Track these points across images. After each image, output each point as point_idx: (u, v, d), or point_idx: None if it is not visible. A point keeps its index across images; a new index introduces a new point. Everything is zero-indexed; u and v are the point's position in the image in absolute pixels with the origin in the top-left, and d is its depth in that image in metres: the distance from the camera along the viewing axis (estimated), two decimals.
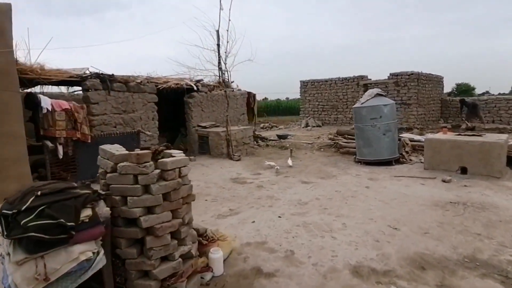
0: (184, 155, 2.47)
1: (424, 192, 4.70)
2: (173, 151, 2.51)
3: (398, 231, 3.36)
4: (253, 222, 3.76)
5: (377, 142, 6.54)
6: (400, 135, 8.67)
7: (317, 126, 16.40)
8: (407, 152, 6.96)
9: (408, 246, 3.03)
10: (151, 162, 2.18)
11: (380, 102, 6.53)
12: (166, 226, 2.19)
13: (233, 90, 9.41)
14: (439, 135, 6.05)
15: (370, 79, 15.85)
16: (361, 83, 15.67)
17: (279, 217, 3.89)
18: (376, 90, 6.76)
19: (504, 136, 5.56)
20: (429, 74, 15.41)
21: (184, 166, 2.34)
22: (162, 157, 2.41)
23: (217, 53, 7.87)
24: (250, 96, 10.25)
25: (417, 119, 14.26)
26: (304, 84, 18.10)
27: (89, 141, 5.66)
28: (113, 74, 6.56)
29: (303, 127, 16.45)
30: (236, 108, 9.36)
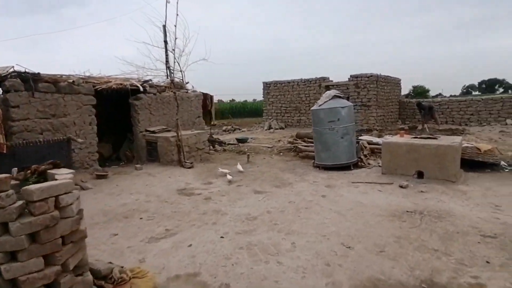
0: (70, 176, 1.86)
1: (381, 200, 4.42)
2: (60, 171, 1.90)
3: (352, 251, 2.98)
4: (190, 245, 3.21)
5: (335, 146, 6.25)
6: (359, 138, 8.54)
7: (280, 128, 16.14)
8: (365, 156, 6.77)
9: (362, 270, 2.64)
10: (11, 191, 1.56)
11: (337, 104, 6.26)
12: (35, 277, 1.58)
13: (187, 92, 8.77)
14: (396, 139, 5.88)
15: (332, 81, 15.90)
16: (323, 85, 15.66)
17: (222, 237, 3.37)
18: (333, 92, 6.49)
19: (458, 139, 5.49)
20: (388, 76, 15.75)
21: (66, 193, 1.74)
22: (45, 180, 1.80)
23: (164, 50, 7.18)
24: (207, 98, 9.66)
25: (377, 120, 14.46)
26: (267, 86, 17.80)
27: (4, 151, 4.79)
28: (38, 73, 5.68)
29: (266, 130, 16.12)
30: (190, 111, 8.72)
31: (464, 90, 71.02)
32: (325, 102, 6.34)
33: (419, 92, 43.40)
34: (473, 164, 5.90)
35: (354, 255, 2.89)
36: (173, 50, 6.84)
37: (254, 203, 4.50)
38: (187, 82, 9.07)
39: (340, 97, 6.48)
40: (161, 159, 7.17)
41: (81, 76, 6.63)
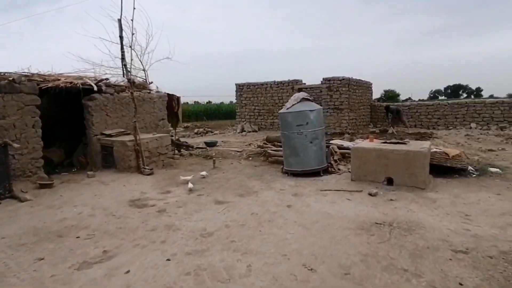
0: None
1: (349, 210, 4.13)
2: None
3: (314, 274, 2.62)
4: (127, 272, 2.72)
5: (304, 151, 5.95)
6: (330, 142, 8.33)
7: (253, 131, 15.79)
8: (335, 161, 6.52)
9: None
10: None
11: (306, 107, 5.96)
12: None
13: (149, 92, 8.18)
14: (366, 144, 5.67)
15: (305, 84, 15.78)
16: (296, 87, 15.49)
17: (168, 260, 2.91)
18: (302, 94, 6.19)
19: (426, 144, 5.35)
20: (359, 80, 15.85)
21: None
22: None
23: (120, 47, 6.58)
24: (173, 99, 9.11)
25: (349, 123, 14.47)
26: (240, 88, 17.42)
27: None
28: None
29: (238, 132, 15.71)
30: (153, 113, 8.14)
31: (431, 95, 74.37)
32: (293, 105, 6.03)
33: (390, 96, 44.78)
34: (442, 169, 5.80)
35: (316, 280, 2.54)
36: (130, 47, 6.27)
37: (213, 215, 4.07)
38: (151, 82, 8.49)
39: (309, 99, 6.19)
40: (117, 165, 6.55)
41: (23, 74, 5.91)
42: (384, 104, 17.35)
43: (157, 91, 8.49)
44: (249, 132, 15.63)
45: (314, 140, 5.95)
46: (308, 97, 6.24)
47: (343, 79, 14.15)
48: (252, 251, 3.05)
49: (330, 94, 14.42)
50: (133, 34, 6.44)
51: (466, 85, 72.69)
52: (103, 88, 7.02)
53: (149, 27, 8.51)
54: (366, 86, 16.97)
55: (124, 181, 5.91)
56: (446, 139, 10.56)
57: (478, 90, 70.07)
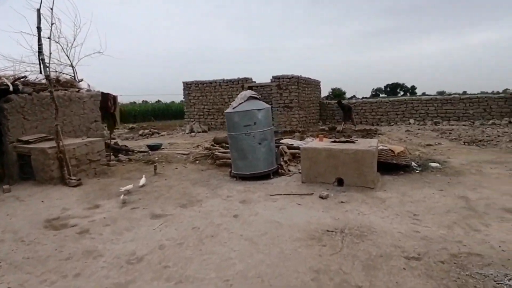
0: None
1: (300, 216, 3.85)
2: None
3: None
4: None
5: (252, 153, 5.59)
6: (280, 141, 8.11)
7: (203, 132, 15.14)
8: (286, 162, 6.27)
9: None
10: None
11: (253, 106, 5.60)
12: None
13: (78, 91, 7.19)
14: (316, 143, 5.48)
15: (255, 82, 15.53)
16: (246, 86, 15.17)
17: None
18: (249, 93, 5.82)
19: (374, 142, 5.31)
20: (308, 78, 16.02)
21: None
22: None
23: (37, 39, 5.58)
24: (109, 99, 8.16)
25: (299, 122, 14.53)
26: (188, 86, 16.62)
27: None
28: None
29: (187, 133, 14.95)
30: (83, 114, 7.17)
31: (373, 93, 79.53)
32: (239, 104, 5.63)
33: (337, 94, 46.83)
34: (388, 166, 5.85)
35: None
36: (49, 38, 5.34)
37: (147, 233, 3.50)
38: (81, 80, 7.49)
39: (256, 98, 5.84)
40: (37, 176, 5.58)
41: None
42: (334, 102, 17.78)
43: (88, 90, 7.52)
44: (199, 132, 14.96)
45: (263, 141, 5.62)
46: (256, 96, 5.90)
47: (292, 77, 14.15)
48: (189, 278, 2.58)
49: (280, 93, 14.34)
50: (52, 24, 5.52)
51: (403, 84, 79.06)
52: (20, 87, 5.95)
53: (77, 17, 7.52)
54: (314, 84, 17.26)
55: (43, 195, 5.01)
56: (389, 135, 11.01)
57: (413, 88, 76.55)
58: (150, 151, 8.71)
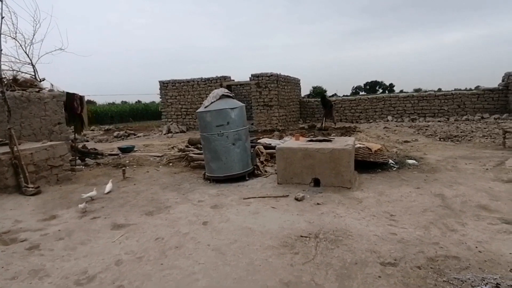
0: None
1: (273, 221, 3.63)
2: None
3: None
4: None
5: (226, 155, 5.33)
6: (258, 141, 7.90)
7: (180, 132, 14.73)
8: (262, 163, 6.06)
9: None
10: None
11: (226, 105, 5.34)
12: None
13: (39, 91, 6.69)
14: (291, 143, 5.28)
15: (234, 80, 15.25)
16: (225, 84, 14.87)
17: None
18: (221, 91, 5.55)
19: (351, 140, 5.18)
20: (287, 76, 15.90)
21: None
22: None
23: None
24: (75, 99, 7.67)
25: (279, 120, 14.38)
26: (164, 85, 16.13)
27: None
28: None
29: (164, 134, 14.50)
30: (44, 116, 6.67)
31: (354, 91, 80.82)
32: (212, 102, 5.36)
33: (318, 92, 47.18)
34: (366, 164, 5.75)
35: None
36: (5, 34, 4.88)
37: (104, 247, 3.18)
38: (42, 79, 6.99)
39: (229, 96, 5.58)
40: None
41: None
42: (320, 97, 17.71)
43: (51, 90, 7.02)
44: (177, 133, 14.53)
45: (237, 141, 5.38)
46: (229, 94, 5.64)
47: (272, 75, 13.97)
48: None
49: (259, 91, 14.14)
50: (2, 17, 5.05)
51: (381, 82, 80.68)
52: None
53: (37, 12, 7.03)
54: (294, 83, 17.17)
55: None
56: (368, 132, 11.02)
57: (391, 85, 78.29)
58: (121, 154, 8.28)
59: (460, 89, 17.25)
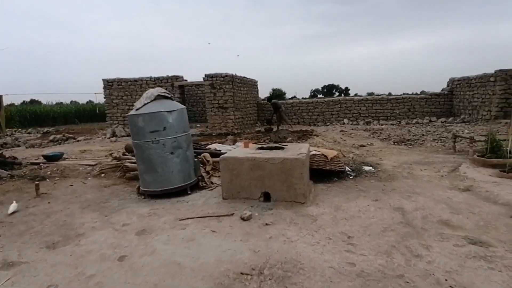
0: None
1: (211, 252, 2.94)
2: None
3: None
4: None
5: (163, 165, 4.53)
6: (208, 146, 7.15)
7: (127, 136, 13.42)
8: (208, 173, 5.33)
9: None
10: None
11: (162, 107, 4.55)
12: None
13: None
14: (239, 151, 4.62)
15: (186, 80, 14.31)
16: (176, 84, 13.88)
17: None
18: (157, 91, 4.74)
19: (305, 148, 4.65)
20: (244, 77, 15.31)
21: None
22: None
23: None
24: None
25: (235, 123, 13.72)
26: (109, 84, 14.70)
27: None
28: None
29: (108, 138, 13.12)
30: None
31: (312, 93, 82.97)
32: (144, 104, 4.54)
33: (278, 94, 47.28)
34: (322, 173, 5.29)
35: None
36: None
37: None
38: None
39: (167, 97, 4.79)
40: None
41: None
42: (265, 100, 17.29)
43: None
44: (122, 136, 13.23)
45: (176, 149, 4.60)
46: (166, 94, 4.84)
47: (226, 76, 13.27)
48: None
49: (213, 92, 13.36)
50: None
51: (338, 85, 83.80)
52: None
53: None
54: (251, 84, 16.64)
55: None
56: (325, 136, 10.77)
57: (347, 89, 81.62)
58: (44, 164, 7.03)
59: (407, 93, 17.93)
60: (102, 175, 6.10)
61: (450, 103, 15.63)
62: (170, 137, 4.54)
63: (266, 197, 4.19)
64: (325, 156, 5.35)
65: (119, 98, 14.63)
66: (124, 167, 5.93)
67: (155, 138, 4.45)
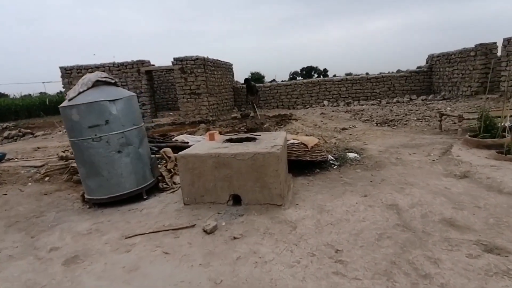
0: None
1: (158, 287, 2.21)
2: None
3: None
4: None
5: (109, 167, 3.70)
6: (174, 139, 6.32)
7: None
8: (169, 171, 4.53)
9: None
10: None
11: (103, 95, 3.66)
12: None
13: None
14: (201, 146, 3.83)
15: (154, 65, 13.15)
16: (143, 70, 12.73)
17: None
18: (96, 75, 3.83)
19: (281, 138, 3.93)
20: (217, 60, 14.29)
21: None
22: None
23: None
24: None
25: (210, 110, 12.82)
26: (67, 72, 13.32)
27: None
28: None
29: None
30: None
31: (291, 76, 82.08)
32: (80, 93, 3.64)
33: (256, 78, 46.15)
34: (302, 164, 4.63)
35: None
36: None
37: None
38: None
39: (110, 83, 3.90)
40: None
41: None
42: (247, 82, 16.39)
43: None
44: None
45: (124, 147, 3.77)
46: (109, 79, 3.94)
47: (197, 59, 12.24)
48: None
49: (184, 77, 12.33)
50: None
51: (316, 67, 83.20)
52: None
53: None
54: (226, 67, 15.64)
55: None
56: (304, 120, 10.12)
57: (325, 70, 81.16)
58: None
59: (383, 73, 17.53)
60: (46, 179, 5.17)
61: (430, 80, 15.31)
62: (115, 132, 3.69)
63: (236, 200, 3.47)
64: (305, 145, 4.67)
65: None
66: (71, 169, 5.02)
67: (95, 135, 3.59)
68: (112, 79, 3.95)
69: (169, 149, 4.76)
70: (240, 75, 17.33)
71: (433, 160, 4.90)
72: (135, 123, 3.94)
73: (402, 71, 15.93)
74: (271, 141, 3.75)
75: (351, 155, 5.45)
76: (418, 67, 16.01)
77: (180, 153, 3.54)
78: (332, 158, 5.15)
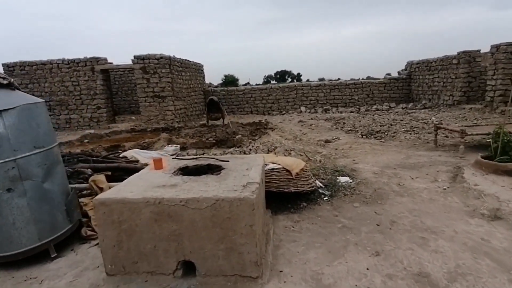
0: None
1: None
2: None
3: None
4: None
5: None
6: (121, 155, 4.99)
7: None
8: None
9: None
10: None
11: None
12: None
13: None
14: (136, 182, 2.56)
15: (111, 63, 11.56)
16: (98, 68, 11.11)
17: None
18: None
19: (257, 168, 2.76)
20: (186, 60, 12.94)
21: None
22: None
23: None
24: None
25: (176, 115, 11.44)
26: (9, 69, 11.41)
27: None
28: None
29: None
30: None
31: (265, 80, 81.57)
32: None
33: (230, 80, 44.84)
34: (284, 196, 3.51)
35: None
36: None
37: None
38: None
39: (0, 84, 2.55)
40: None
41: None
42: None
43: None
44: None
45: (17, 182, 2.43)
46: (2, 80, 2.59)
47: (162, 58, 10.84)
48: None
49: (146, 78, 10.88)
50: None
51: (290, 71, 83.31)
52: None
53: None
54: (195, 68, 14.30)
55: None
56: (282, 129, 9.06)
57: (299, 75, 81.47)
58: None
59: (354, 79, 16.99)
60: None
61: (409, 88, 14.89)
62: (2, 161, 2.35)
63: (188, 269, 2.25)
64: (288, 172, 3.55)
65: (23, 87, 11.44)
66: None
67: None
68: (3, 78, 2.61)
69: (101, 177, 3.42)
70: (214, 77, 16.08)
71: (445, 189, 3.96)
72: (38, 145, 2.61)
73: (371, 78, 15.43)
74: (243, 174, 2.57)
75: (343, 179, 4.42)
76: (398, 72, 15.57)
77: (97, 197, 2.25)
78: (321, 185, 4.07)
